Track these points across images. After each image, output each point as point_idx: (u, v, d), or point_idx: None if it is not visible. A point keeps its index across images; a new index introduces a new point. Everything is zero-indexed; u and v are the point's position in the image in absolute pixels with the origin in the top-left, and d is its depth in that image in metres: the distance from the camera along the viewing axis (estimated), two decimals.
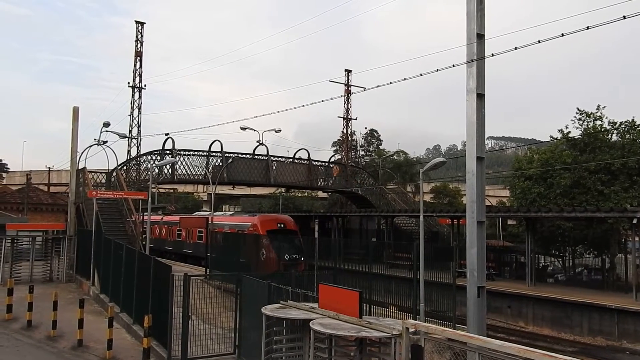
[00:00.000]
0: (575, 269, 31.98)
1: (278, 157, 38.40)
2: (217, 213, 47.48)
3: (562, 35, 9.78)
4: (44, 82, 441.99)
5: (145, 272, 14.11)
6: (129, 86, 49.21)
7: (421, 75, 12.73)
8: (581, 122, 29.94)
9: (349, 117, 54.60)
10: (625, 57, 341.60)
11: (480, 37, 11.60)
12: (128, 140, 47.30)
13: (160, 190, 62.15)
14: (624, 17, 8.90)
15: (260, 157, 36.83)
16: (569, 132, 30.32)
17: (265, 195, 73.55)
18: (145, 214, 25.49)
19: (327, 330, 7.73)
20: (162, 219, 44.78)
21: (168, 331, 11.81)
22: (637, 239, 23.93)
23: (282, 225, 30.89)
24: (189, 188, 72.35)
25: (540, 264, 32.15)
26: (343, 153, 55.94)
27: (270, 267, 24.94)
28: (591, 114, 29.67)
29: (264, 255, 26.43)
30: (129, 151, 47.80)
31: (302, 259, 27.84)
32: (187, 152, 33.96)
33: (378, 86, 14.55)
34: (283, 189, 54.72)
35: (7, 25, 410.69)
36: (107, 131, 27.93)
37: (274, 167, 37.32)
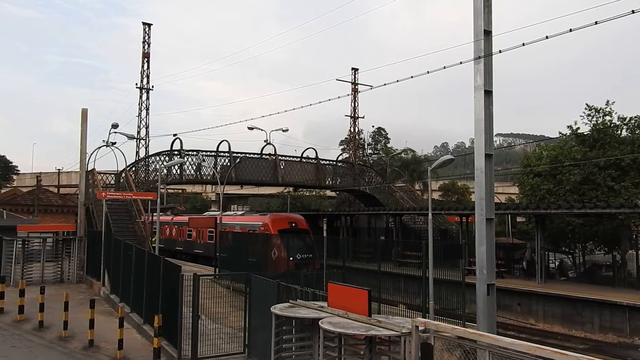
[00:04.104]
0: (585, 266, 31.77)
1: (286, 156, 38.44)
2: (228, 213, 47.49)
3: (570, 30, 9.71)
4: (53, 84, 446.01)
5: (155, 273, 14.18)
6: (136, 87, 49.41)
7: (428, 72, 12.68)
8: (590, 117, 29.77)
9: (356, 115, 54.53)
10: (634, 52, 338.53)
11: (488, 33, 11.54)
12: (136, 141, 47.48)
13: (169, 190, 62.38)
14: (633, 12, 8.82)
15: (268, 156, 36.87)
16: (578, 128, 30.17)
17: (273, 195, 73.66)
18: (154, 214, 25.59)
19: (336, 329, 7.74)
20: (172, 219, 44.85)
21: (178, 331, 11.86)
22: None
23: (293, 225, 30.70)
24: (197, 188, 72.62)
25: (551, 261, 31.95)
26: (351, 152, 55.87)
27: (282, 266, 24.78)
28: (600, 109, 29.47)
29: (276, 255, 26.31)
30: (137, 152, 48.02)
31: (314, 258, 27.76)
32: (195, 153, 34.07)
33: (385, 84, 14.51)
34: (291, 188, 54.73)
35: (15, 29, 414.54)
36: (115, 132, 28.11)
37: (282, 167, 37.37)
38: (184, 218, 43.33)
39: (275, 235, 28.18)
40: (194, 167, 33.86)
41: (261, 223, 31.41)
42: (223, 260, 25.49)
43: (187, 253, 38.80)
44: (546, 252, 29.10)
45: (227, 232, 28.29)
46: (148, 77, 49.61)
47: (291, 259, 25.98)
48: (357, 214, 43.15)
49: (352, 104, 54.34)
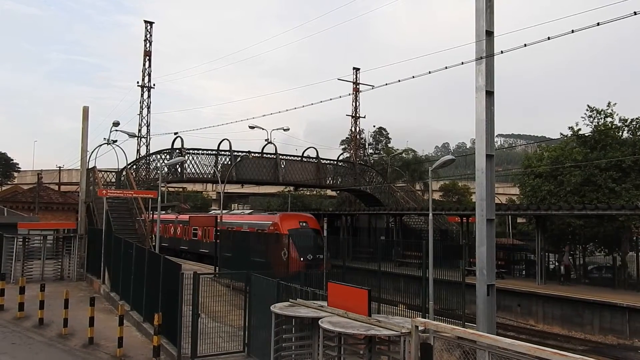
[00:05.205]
0: (586, 267, 31.75)
1: (287, 155, 38.44)
2: (235, 211, 47.05)
3: (572, 31, 9.70)
4: (55, 82, 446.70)
5: (155, 271, 14.18)
6: (138, 85, 49.46)
7: (430, 73, 12.67)
8: (592, 119, 29.75)
9: (358, 115, 54.55)
10: (636, 53, 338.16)
11: (490, 34, 11.52)
12: (137, 139, 47.53)
13: (170, 189, 62.38)
14: (635, 13, 8.81)
15: (268, 155, 36.88)
16: (580, 129, 30.16)
17: (273, 194, 73.72)
18: (155, 212, 25.55)
19: (336, 328, 7.73)
20: (176, 217, 44.46)
21: (178, 329, 11.87)
22: None
23: (304, 224, 30.00)
24: (198, 187, 72.65)
25: (551, 263, 31.88)
26: (352, 151, 55.88)
27: (294, 267, 24.15)
28: (602, 110, 29.45)
29: (287, 255, 25.76)
30: (138, 150, 48.07)
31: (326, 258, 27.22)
32: (196, 151, 34.07)
33: (387, 84, 14.49)
34: (292, 188, 54.81)
35: (18, 26, 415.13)
36: (116, 130, 28.12)
37: (283, 166, 37.37)
38: (193, 216, 42.93)
39: (286, 235, 27.37)
40: (192, 166, 33.81)
41: (270, 222, 30.83)
42: (229, 260, 24.88)
43: (192, 252, 38.33)
44: (546, 254, 29.06)
45: (235, 232, 27.83)
46: (149, 75, 49.71)
47: (302, 259, 25.52)
48: (357, 214, 43.13)
49: (354, 104, 54.39)
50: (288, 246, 25.34)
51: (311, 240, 27.84)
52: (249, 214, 38.68)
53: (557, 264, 29.74)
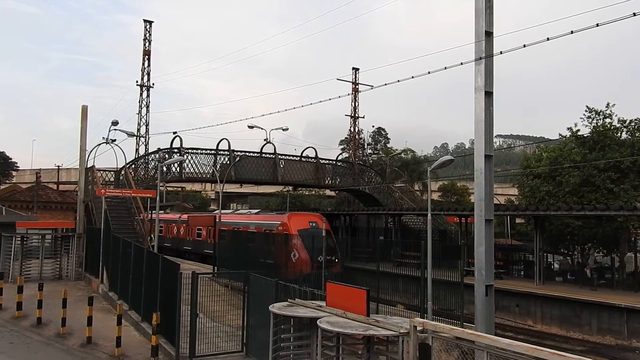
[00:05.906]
0: (584, 268, 31.79)
1: (285, 155, 38.44)
2: (241, 211, 46.70)
3: (572, 32, 9.70)
4: (54, 81, 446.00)
5: (154, 270, 14.17)
6: (137, 85, 49.43)
7: (429, 73, 12.65)
8: (590, 120, 29.78)
9: (357, 115, 54.58)
10: (634, 54, 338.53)
11: (489, 34, 11.51)
12: (136, 138, 47.50)
13: (169, 188, 62.29)
14: (634, 14, 8.81)
15: (267, 155, 36.87)
16: (578, 130, 30.17)
17: (272, 194, 73.71)
18: (155, 212, 25.52)
19: (334, 328, 7.73)
20: (179, 217, 44.15)
21: (176, 329, 11.86)
22: None
23: (314, 224, 29.50)
24: (196, 186, 72.63)
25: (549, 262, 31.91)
26: (350, 151, 55.90)
27: (303, 268, 23.88)
28: (600, 111, 29.48)
29: (296, 256, 25.20)
30: (137, 150, 48.05)
31: (337, 260, 26.66)
32: (195, 151, 34.05)
33: (386, 84, 14.47)
34: (290, 187, 54.77)
35: (18, 25, 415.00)
36: (115, 130, 28.11)
37: (282, 166, 37.37)
38: (193, 216, 42.53)
39: (295, 235, 26.94)
40: (191, 165, 33.79)
41: (279, 222, 30.40)
42: (234, 262, 24.34)
43: (196, 253, 37.79)
44: (545, 254, 29.09)
45: (240, 232, 27.56)
46: (149, 74, 49.70)
47: (312, 260, 25.02)
48: (356, 214, 43.12)
49: (353, 104, 54.44)
50: (298, 247, 24.87)
51: (321, 241, 27.62)
52: (256, 213, 38.12)
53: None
